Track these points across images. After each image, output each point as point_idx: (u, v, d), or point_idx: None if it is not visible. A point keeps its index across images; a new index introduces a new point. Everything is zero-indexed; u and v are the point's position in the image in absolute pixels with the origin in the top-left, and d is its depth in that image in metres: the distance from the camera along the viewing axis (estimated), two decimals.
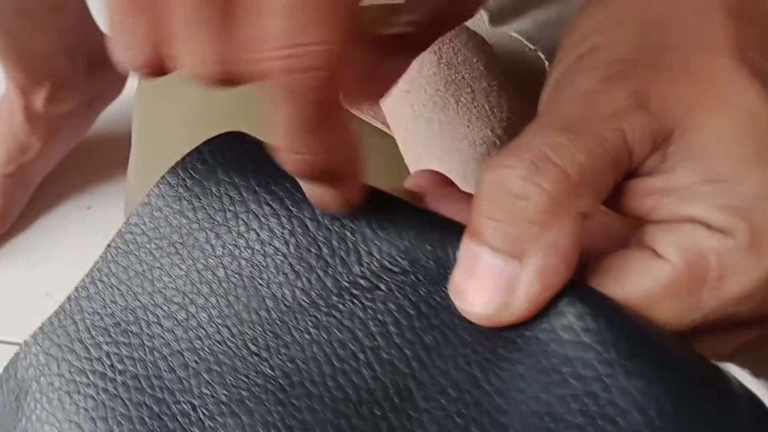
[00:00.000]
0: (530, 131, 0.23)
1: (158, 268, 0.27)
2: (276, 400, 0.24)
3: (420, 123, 0.37)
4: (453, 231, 0.25)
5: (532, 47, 0.40)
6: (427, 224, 0.25)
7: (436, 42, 0.38)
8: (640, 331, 0.22)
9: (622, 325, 0.22)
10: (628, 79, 0.23)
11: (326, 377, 0.24)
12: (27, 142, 0.86)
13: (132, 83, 0.90)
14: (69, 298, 0.28)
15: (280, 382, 0.25)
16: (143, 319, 0.27)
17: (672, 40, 0.23)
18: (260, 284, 0.26)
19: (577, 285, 0.22)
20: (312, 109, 0.19)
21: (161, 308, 0.27)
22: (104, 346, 0.27)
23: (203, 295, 0.26)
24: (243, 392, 0.25)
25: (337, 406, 0.24)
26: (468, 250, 0.23)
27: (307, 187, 0.24)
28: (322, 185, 0.23)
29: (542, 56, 0.40)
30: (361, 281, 0.25)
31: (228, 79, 0.20)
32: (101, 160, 0.95)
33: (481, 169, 0.23)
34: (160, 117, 0.47)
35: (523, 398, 0.22)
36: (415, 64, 0.38)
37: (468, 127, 0.37)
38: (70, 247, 0.92)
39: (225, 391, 0.25)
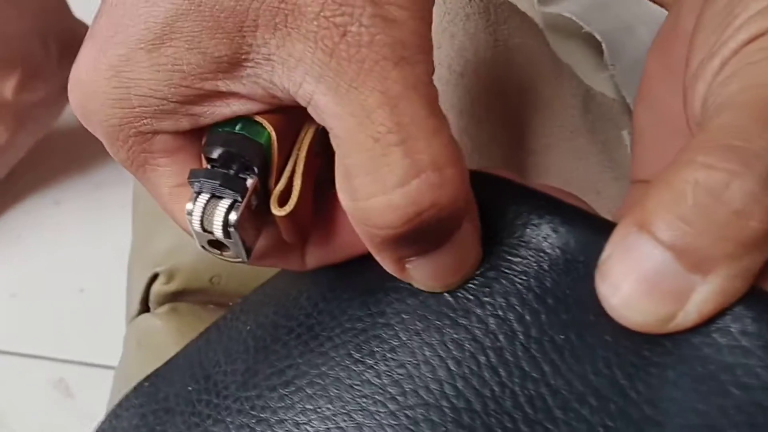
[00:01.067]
0: (742, 123, 0.19)
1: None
2: (387, 412, 0.22)
3: (479, 108, 0.34)
4: (577, 214, 0.22)
5: (586, 27, 0.38)
6: (548, 207, 0.23)
7: (490, 23, 0.36)
8: None
9: None
10: None
11: (443, 384, 0.22)
12: None
13: None
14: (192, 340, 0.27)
15: (390, 390, 0.22)
16: (252, 346, 0.25)
17: None
18: (363, 287, 0.23)
19: None
20: None
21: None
22: (215, 376, 0.24)
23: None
24: (349, 405, 0.22)
25: (459, 418, 0.21)
26: (634, 241, 0.20)
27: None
28: None
29: (598, 37, 0.38)
30: (475, 274, 0.23)
31: None
32: (71, 152, 0.90)
33: (683, 159, 0.20)
34: None
35: (677, 409, 0.20)
36: (470, 46, 0.35)
37: (530, 115, 0.35)
38: (38, 245, 0.87)
39: (329, 405, 0.22)
